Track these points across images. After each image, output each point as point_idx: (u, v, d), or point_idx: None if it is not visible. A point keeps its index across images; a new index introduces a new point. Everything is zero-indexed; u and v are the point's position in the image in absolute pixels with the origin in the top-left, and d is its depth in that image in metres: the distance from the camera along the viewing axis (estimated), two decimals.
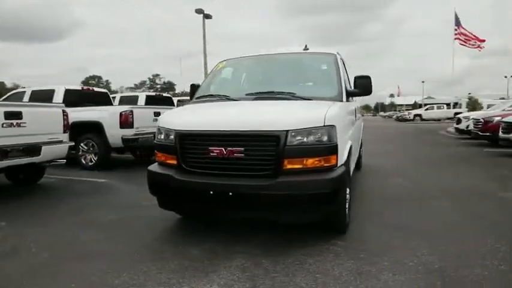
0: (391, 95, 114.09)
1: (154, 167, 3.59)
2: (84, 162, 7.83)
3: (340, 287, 2.56)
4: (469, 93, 48.81)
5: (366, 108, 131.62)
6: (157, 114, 8.28)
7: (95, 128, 7.61)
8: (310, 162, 3.03)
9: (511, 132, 8.94)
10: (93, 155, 7.79)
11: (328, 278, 2.69)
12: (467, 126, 14.17)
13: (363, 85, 3.93)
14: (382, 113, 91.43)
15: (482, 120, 11.67)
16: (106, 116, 7.52)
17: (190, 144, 3.29)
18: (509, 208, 4.53)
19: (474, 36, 33.79)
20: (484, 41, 33.56)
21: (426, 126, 28.11)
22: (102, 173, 7.33)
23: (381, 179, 6.42)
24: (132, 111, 7.45)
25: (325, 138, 3.04)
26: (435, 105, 39.80)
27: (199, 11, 25.89)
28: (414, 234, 3.56)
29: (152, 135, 7.94)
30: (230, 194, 3.03)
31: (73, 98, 8.05)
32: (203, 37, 26.96)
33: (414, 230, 3.71)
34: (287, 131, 2.98)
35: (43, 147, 5.39)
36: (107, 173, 7.42)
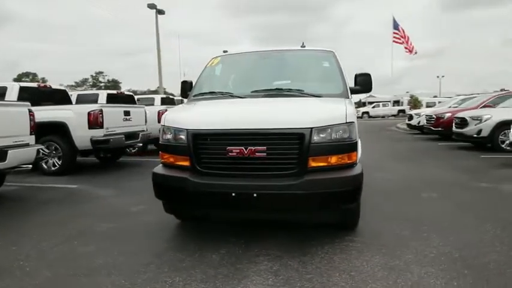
0: None
1: (161, 170, 3.34)
2: (45, 167, 7.10)
3: (380, 283, 2.56)
4: (407, 92, 52.47)
5: None
6: (127, 113, 7.80)
7: (59, 130, 6.94)
8: (334, 159, 3.00)
9: (464, 127, 9.74)
10: (56, 158, 7.10)
11: (363, 275, 2.69)
12: (419, 122, 15.25)
13: (364, 82, 3.99)
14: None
15: (434, 116, 12.60)
16: (72, 116, 6.88)
17: (206, 144, 3.10)
18: (489, 196, 4.91)
19: (408, 41, 36.47)
20: (412, 46, 36.18)
21: (376, 123, 29.76)
22: (68, 178, 6.72)
23: (365, 174, 6.61)
24: (101, 111, 6.90)
25: (347, 135, 3.04)
26: (381, 103, 42.26)
27: (152, 6, 24.87)
28: (420, 226, 3.71)
29: (123, 135, 7.48)
30: (254, 195, 2.90)
31: (29, 97, 7.24)
32: (156, 34, 25.97)
33: (418, 221, 3.86)
34: (311, 128, 2.93)
35: (9, 152, 4.78)
36: (73, 177, 6.81)
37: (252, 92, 3.80)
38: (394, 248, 3.16)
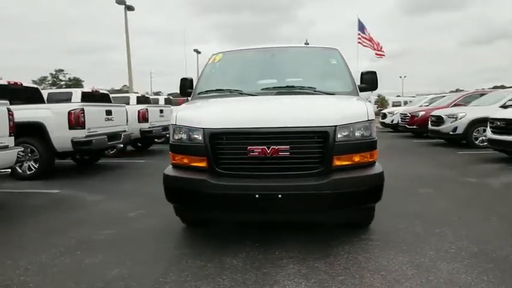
0: None
1: (173, 172, 3.15)
2: (20, 171, 6.55)
3: (413, 282, 2.54)
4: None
5: None
6: (109, 112, 7.39)
7: (35, 130, 6.43)
8: (357, 158, 2.96)
9: (440, 124, 10.15)
10: (32, 161, 6.58)
11: (394, 274, 2.66)
12: (392, 121, 15.77)
13: (370, 80, 3.99)
14: None
15: (409, 114, 13.06)
16: (50, 115, 6.39)
17: (225, 144, 2.95)
18: (481, 191, 5.11)
19: (376, 42, 37.64)
20: (381, 48, 37.43)
21: None
22: (46, 183, 6.25)
23: None
24: (83, 110, 6.46)
25: (368, 133, 3.01)
26: None
27: (120, 2, 23.90)
28: (430, 221, 3.76)
29: (106, 136, 7.09)
30: (279, 196, 2.79)
31: None
32: (126, 31, 24.99)
33: (426, 217, 3.92)
34: (336, 126, 2.86)
35: None
36: (52, 182, 6.35)
37: (263, 89, 3.68)
38: (414, 245, 3.17)
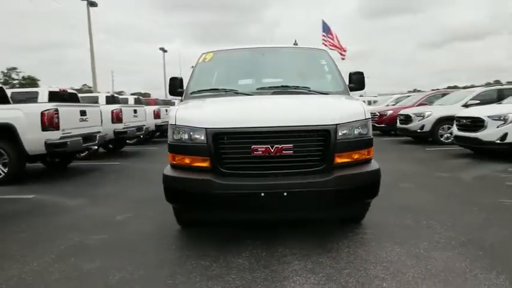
0: None
1: (174, 172, 3.09)
2: None
3: (414, 271, 2.68)
4: None
5: None
6: (83, 113, 7.09)
7: (4, 132, 6.03)
8: (356, 155, 3.07)
9: (409, 123, 10.67)
10: (1, 165, 6.17)
11: (396, 264, 2.79)
12: None
13: (358, 80, 4.13)
14: None
15: (378, 113, 13.60)
16: (21, 116, 6.01)
17: (228, 143, 2.95)
18: (455, 184, 5.45)
19: (339, 45, 38.79)
20: (345, 50, 38.65)
21: None
22: (17, 188, 5.89)
23: None
24: (57, 110, 6.15)
25: (366, 131, 3.13)
26: None
27: None
28: (416, 215, 3.95)
29: (81, 138, 6.80)
30: (285, 194, 2.84)
31: None
32: (88, 28, 24.00)
33: (411, 210, 4.11)
34: (337, 124, 2.95)
35: None
36: (24, 187, 6.01)
37: (258, 89, 3.71)
38: (407, 237, 3.33)
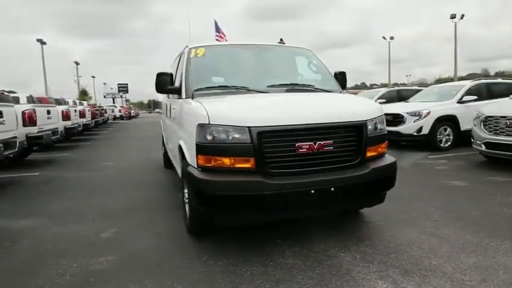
0: None
1: (212, 176, 2.81)
2: None
3: (420, 251, 2.99)
4: None
5: (140, 105, 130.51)
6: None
7: None
8: (379, 148, 3.32)
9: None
10: None
11: (418, 243, 3.15)
12: None
13: (342, 79, 4.43)
14: (159, 110, 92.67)
15: None
16: None
17: (273, 142, 2.85)
18: (403, 172, 6.23)
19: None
20: None
21: None
22: None
23: None
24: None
25: (383, 126, 3.40)
26: None
27: None
28: (407, 203, 4.32)
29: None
30: (332, 189, 2.91)
31: None
32: None
33: (399, 198, 4.42)
34: (366, 120, 3.15)
35: None
36: None
37: (268, 86, 3.65)
38: (410, 221, 3.73)
